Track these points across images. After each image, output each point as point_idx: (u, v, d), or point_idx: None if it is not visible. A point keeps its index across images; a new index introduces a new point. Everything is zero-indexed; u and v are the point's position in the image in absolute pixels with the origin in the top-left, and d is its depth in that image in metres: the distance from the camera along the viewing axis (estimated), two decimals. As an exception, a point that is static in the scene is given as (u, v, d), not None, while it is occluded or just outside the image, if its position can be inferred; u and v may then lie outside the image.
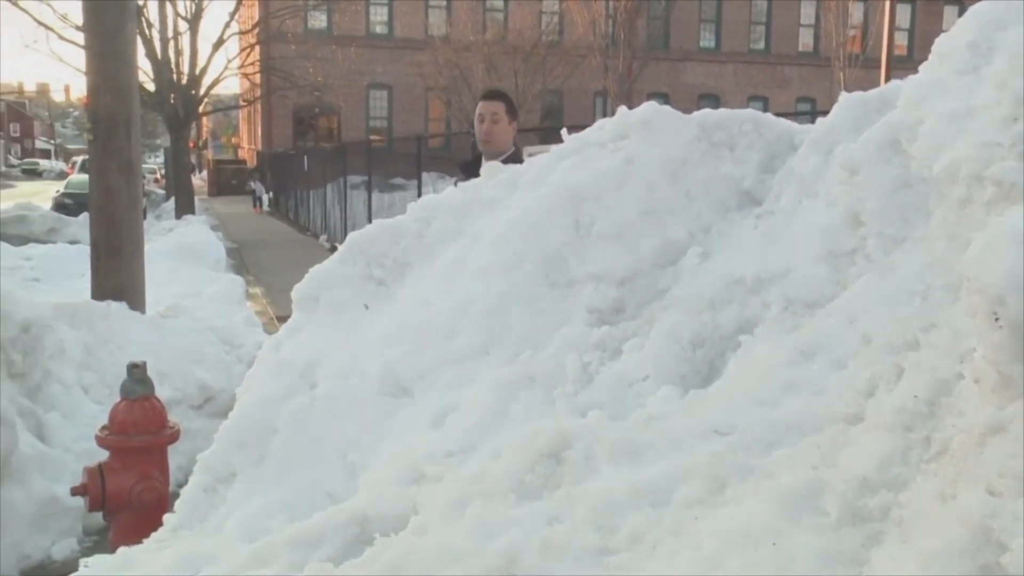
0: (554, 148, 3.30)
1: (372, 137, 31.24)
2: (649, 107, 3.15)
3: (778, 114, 3.46)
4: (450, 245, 3.20)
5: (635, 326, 2.69)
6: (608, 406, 2.37)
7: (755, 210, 2.88)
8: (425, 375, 2.78)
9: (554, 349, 2.63)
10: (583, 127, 3.42)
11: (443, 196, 3.50)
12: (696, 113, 3.17)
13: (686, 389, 2.35)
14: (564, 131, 3.36)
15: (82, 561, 2.49)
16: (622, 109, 3.21)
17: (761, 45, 42.78)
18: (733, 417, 2.04)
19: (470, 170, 4.34)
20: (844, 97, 2.84)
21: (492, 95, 4.64)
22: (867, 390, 1.88)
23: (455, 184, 4.05)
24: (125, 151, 7.20)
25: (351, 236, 3.34)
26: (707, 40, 42.39)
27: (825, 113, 2.90)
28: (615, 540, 1.82)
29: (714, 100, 39.00)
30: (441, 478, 2.26)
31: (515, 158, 4.37)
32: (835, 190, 2.52)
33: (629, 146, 3.08)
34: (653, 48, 37.79)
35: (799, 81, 41.73)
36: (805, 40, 42.34)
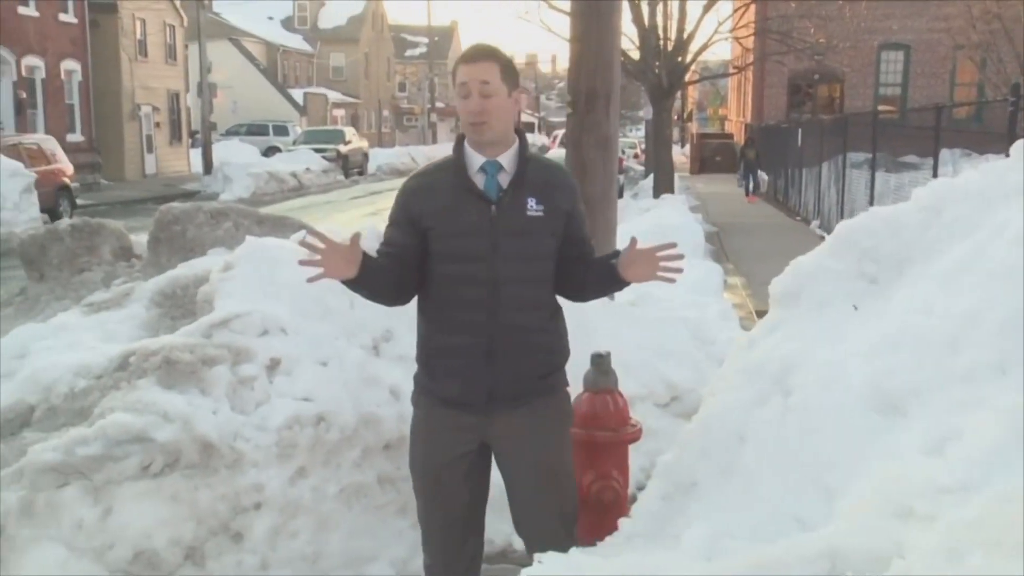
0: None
1: (881, 107, 30.05)
2: None
3: None
4: (963, 240, 3.01)
5: None
6: None
7: None
8: (920, 393, 2.65)
9: (1093, 375, 2.38)
10: None
11: (958, 181, 3.30)
12: None
13: None
14: None
15: (536, 556, 2.71)
16: None
17: None
18: None
19: (461, 174, 3.36)
20: None
21: (478, 54, 3.38)
22: None
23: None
24: (603, 126, 7.64)
25: (842, 226, 3.28)
26: None
27: None
28: None
29: None
30: (934, 517, 2.15)
31: (522, 156, 3.42)
32: None
33: None
34: None
35: None
36: None
